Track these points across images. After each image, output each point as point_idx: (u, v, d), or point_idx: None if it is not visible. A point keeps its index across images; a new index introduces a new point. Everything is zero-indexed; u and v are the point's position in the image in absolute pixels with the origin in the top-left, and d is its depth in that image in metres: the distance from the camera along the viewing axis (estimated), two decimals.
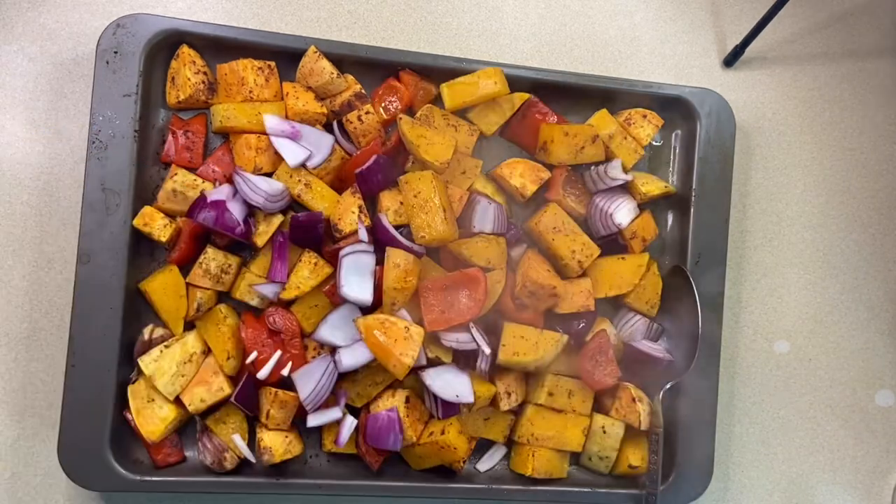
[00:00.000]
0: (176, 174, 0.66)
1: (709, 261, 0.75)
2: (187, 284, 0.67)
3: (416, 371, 0.67)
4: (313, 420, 0.66)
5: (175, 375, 0.65)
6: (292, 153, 0.67)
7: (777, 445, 0.80)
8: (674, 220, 0.77)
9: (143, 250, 0.67)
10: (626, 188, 0.73)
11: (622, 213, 0.72)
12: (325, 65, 0.68)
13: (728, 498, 0.79)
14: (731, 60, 0.80)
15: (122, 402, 0.66)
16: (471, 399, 0.67)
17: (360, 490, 0.68)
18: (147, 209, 0.66)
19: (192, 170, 0.68)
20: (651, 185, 0.74)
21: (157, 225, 0.66)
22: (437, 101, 0.72)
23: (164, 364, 0.65)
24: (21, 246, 0.68)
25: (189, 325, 0.68)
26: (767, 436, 0.80)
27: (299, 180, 0.68)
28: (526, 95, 0.73)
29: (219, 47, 0.68)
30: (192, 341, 0.66)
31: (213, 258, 0.66)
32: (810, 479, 0.81)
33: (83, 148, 0.66)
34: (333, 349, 0.67)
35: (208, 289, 0.67)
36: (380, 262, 0.67)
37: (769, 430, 0.80)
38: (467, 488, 0.70)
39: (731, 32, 0.81)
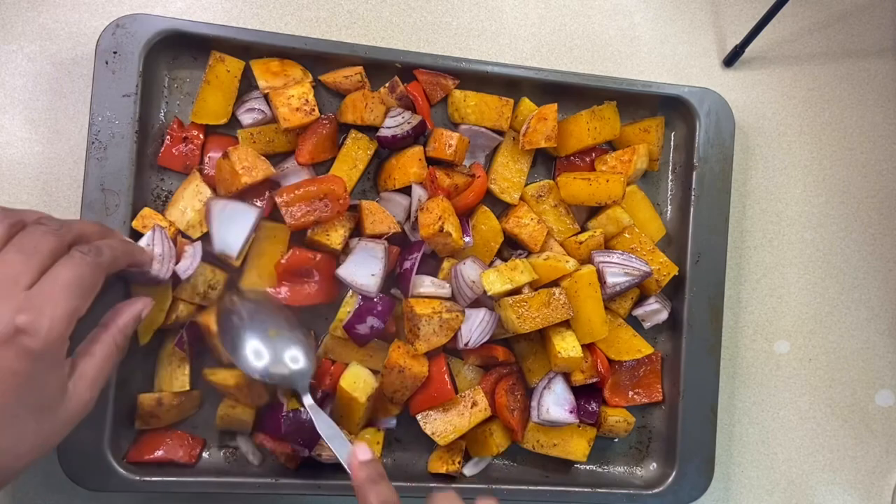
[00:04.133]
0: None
1: (709, 261, 0.75)
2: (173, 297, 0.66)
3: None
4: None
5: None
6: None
7: (777, 445, 0.81)
8: (674, 220, 0.77)
9: None
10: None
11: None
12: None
13: (728, 498, 0.79)
14: (730, 60, 0.80)
15: (123, 402, 0.66)
16: None
17: None
18: (146, 210, 0.66)
19: (186, 175, 0.68)
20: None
21: None
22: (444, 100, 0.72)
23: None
24: None
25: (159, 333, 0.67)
26: (767, 436, 0.80)
27: None
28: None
29: (219, 47, 0.68)
30: None
31: (200, 273, 0.66)
32: (810, 479, 0.81)
33: (82, 148, 0.66)
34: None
35: (192, 303, 0.66)
36: None
37: (769, 430, 0.80)
38: (467, 488, 0.70)
39: (731, 32, 0.81)
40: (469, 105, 0.71)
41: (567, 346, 0.68)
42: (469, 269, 0.69)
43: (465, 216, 0.71)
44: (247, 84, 0.69)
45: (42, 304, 0.47)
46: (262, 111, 0.68)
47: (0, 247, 0.48)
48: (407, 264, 0.68)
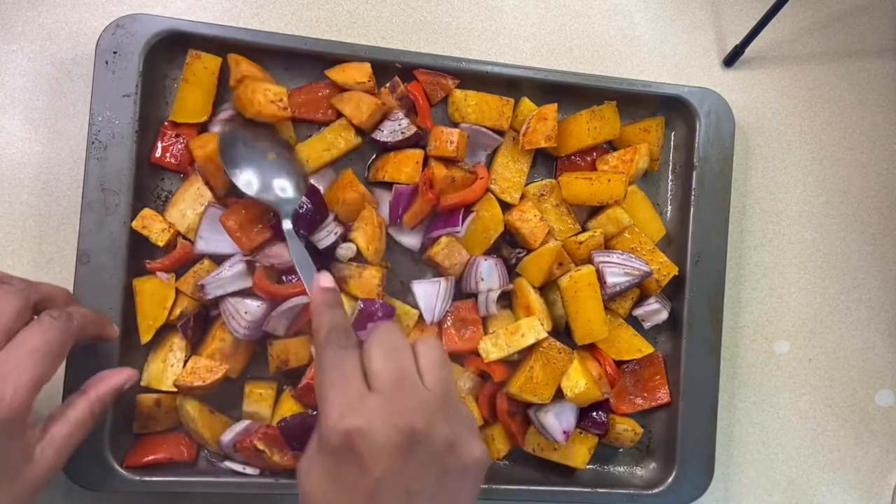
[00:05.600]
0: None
1: (709, 261, 0.75)
2: (177, 289, 0.66)
3: None
4: None
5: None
6: None
7: (777, 445, 0.81)
8: (674, 220, 0.77)
9: (142, 251, 0.67)
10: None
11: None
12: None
13: (728, 498, 0.79)
14: (731, 60, 0.80)
15: (122, 403, 0.66)
16: None
17: None
18: (146, 211, 0.66)
19: (179, 173, 0.68)
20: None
21: (155, 228, 0.66)
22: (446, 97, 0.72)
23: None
24: (20, 246, 0.68)
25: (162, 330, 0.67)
26: (767, 436, 0.80)
27: None
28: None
29: (219, 47, 0.68)
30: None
31: (207, 270, 0.66)
32: (810, 479, 0.81)
33: (82, 148, 0.66)
34: None
35: (194, 298, 0.66)
36: None
37: (769, 430, 0.80)
38: None
39: (731, 32, 0.81)
40: (470, 104, 0.71)
41: (571, 383, 0.69)
42: (484, 267, 0.69)
43: (460, 210, 0.71)
44: (225, 86, 0.69)
45: (7, 371, 0.46)
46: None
47: None
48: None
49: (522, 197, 0.73)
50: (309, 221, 0.65)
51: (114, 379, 0.55)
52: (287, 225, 0.63)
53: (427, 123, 0.70)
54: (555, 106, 0.71)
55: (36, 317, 0.50)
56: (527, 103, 0.73)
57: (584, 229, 0.74)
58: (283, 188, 0.65)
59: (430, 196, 0.68)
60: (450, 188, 0.70)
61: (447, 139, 0.69)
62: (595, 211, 0.74)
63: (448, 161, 0.71)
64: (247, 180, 0.64)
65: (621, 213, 0.73)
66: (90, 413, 0.52)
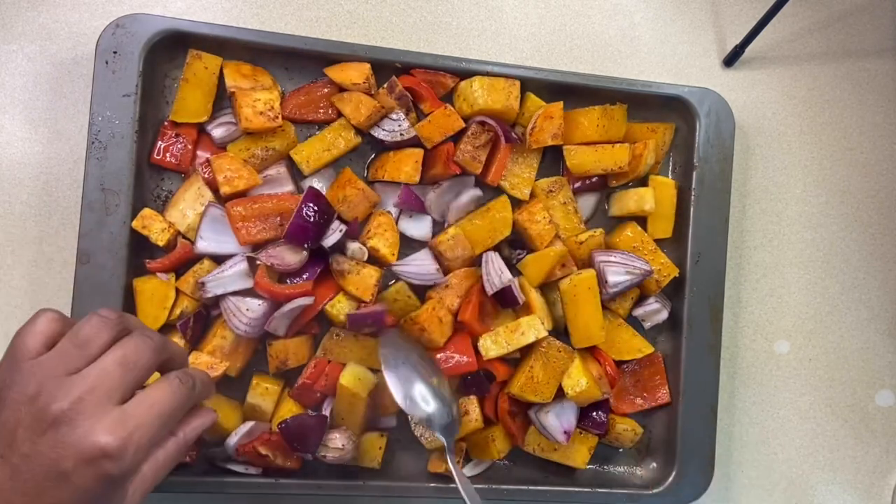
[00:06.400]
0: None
1: (709, 261, 0.75)
2: (177, 289, 0.66)
3: None
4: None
5: None
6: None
7: (777, 445, 0.81)
8: (673, 220, 0.77)
9: (142, 251, 0.67)
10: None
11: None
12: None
13: (728, 498, 0.79)
14: (730, 60, 0.80)
15: None
16: None
17: (359, 490, 0.68)
18: (146, 211, 0.66)
19: (179, 173, 0.68)
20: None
21: (155, 228, 0.66)
22: (449, 95, 0.72)
23: None
24: (20, 246, 0.68)
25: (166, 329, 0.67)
26: (767, 436, 0.80)
27: None
28: None
29: (219, 47, 0.68)
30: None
31: (207, 270, 0.66)
32: (810, 479, 0.81)
33: (82, 148, 0.66)
34: None
35: (194, 298, 0.66)
36: None
37: (769, 430, 0.80)
38: None
39: (731, 32, 0.81)
40: (476, 90, 0.69)
41: (573, 382, 0.69)
42: (495, 259, 0.70)
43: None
44: (226, 86, 0.69)
45: (132, 428, 0.45)
46: (235, 125, 0.68)
47: (100, 352, 0.47)
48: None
49: (532, 194, 0.73)
50: (316, 227, 0.65)
51: (202, 421, 0.54)
52: (450, 458, 0.65)
53: (435, 107, 0.70)
54: (560, 104, 0.71)
55: (164, 375, 0.50)
56: (533, 99, 0.73)
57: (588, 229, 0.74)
58: (442, 416, 0.66)
59: (452, 167, 0.69)
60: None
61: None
62: (599, 214, 0.74)
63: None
64: (420, 407, 0.65)
65: (649, 194, 0.73)
66: (177, 455, 0.52)
